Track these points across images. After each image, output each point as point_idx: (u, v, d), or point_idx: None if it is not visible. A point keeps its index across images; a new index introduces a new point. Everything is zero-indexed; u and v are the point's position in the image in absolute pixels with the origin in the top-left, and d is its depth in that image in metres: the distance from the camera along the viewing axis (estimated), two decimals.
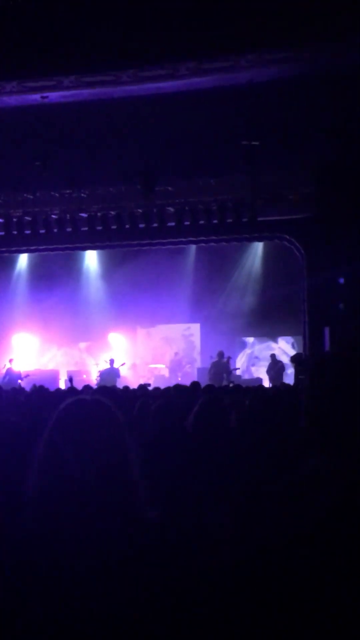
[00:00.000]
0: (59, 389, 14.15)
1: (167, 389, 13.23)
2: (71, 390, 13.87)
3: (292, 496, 2.00)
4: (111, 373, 23.02)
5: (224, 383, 20.52)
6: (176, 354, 26.92)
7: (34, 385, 14.37)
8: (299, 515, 1.93)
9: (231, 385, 17.04)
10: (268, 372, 23.35)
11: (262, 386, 16.75)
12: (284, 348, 25.47)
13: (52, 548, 2.16)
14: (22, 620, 2.06)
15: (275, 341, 26.05)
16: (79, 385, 16.28)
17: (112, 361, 23.52)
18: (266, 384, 21.43)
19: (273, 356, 23.99)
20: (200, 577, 2.00)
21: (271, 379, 22.57)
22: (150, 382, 21.73)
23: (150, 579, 2.06)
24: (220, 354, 23.34)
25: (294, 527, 1.93)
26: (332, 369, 2.18)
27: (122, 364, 23.66)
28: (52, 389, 14.27)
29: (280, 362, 23.46)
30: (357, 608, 1.83)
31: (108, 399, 2.43)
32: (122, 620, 2.01)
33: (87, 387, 14.58)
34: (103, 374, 23.07)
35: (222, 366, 23.04)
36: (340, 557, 1.87)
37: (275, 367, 23.23)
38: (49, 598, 2.07)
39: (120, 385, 18.46)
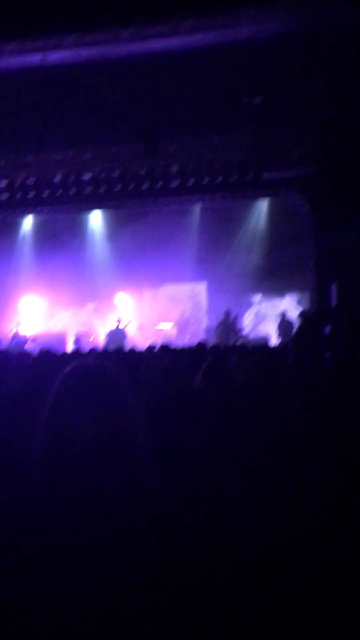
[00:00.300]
0: (64, 353, 14.15)
1: (174, 349, 13.26)
2: (77, 352, 13.89)
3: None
4: (118, 334, 23.05)
5: (231, 342, 20.53)
6: (183, 313, 26.92)
7: (41, 349, 14.39)
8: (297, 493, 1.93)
9: (238, 343, 17.06)
10: (278, 329, 23.34)
11: (266, 345, 16.75)
12: (291, 305, 25.43)
13: (55, 511, 2.16)
14: (23, 582, 2.06)
15: (283, 298, 26.01)
16: (86, 348, 16.31)
17: (119, 321, 23.55)
18: (274, 341, 21.43)
19: (282, 314, 23.95)
20: (204, 543, 2.00)
21: (280, 337, 22.56)
22: (158, 342, 21.77)
23: (153, 547, 2.06)
24: (227, 313, 23.32)
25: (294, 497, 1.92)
26: (317, 330, 2.16)
27: (129, 323, 23.67)
28: (60, 351, 14.29)
29: (288, 320, 23.43)
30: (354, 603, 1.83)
31: (110, 363, 2.42)
32: (123, 589, 2.02)
33: (93, 350, 14.60)
34: (110, 335, 23.09)
35: (228, 325, 23.04)
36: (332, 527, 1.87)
37: (284, 325, 23.22)
38: (51, 561, 2.08)
39: (127, 346, 18.47)
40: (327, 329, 2.11)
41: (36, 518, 2.21)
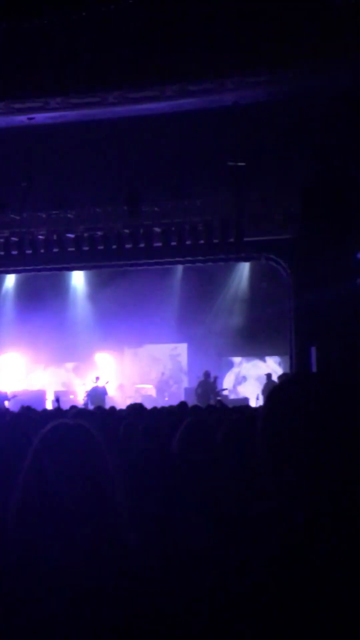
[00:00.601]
0: (45, 410, 14.13)
1: (154, 409, 13.24)
2: (58, 410, 13.85)
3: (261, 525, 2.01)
4: (98, 392, 22.99)
5: (211, 403, 20.53)
6: (163, 373, 26.91)
7: (22, 407, 14.33)
8: (274, 540, 1.94)
9: (217, 405, 17.04)
10: (263, 392, 23.29)
11: (248, 406, 16.74)
12: (273, 367, 25.48)
13: (33, 570, 2.17)
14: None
15: (263, 360, 26.07)
16: (66, 406, 16.26)
17: (97, 379, 23.51)
18: (254, 403, 21.42)
19: (269, 375, 23.93)
20: (182, 601, 2.01)
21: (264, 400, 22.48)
22: (138, 402, 21.69)
23: (131, 604, 2.07)
24: (207, 374, 23.33)
25: (271, 550, 1.94)
26: (290, 394, 2.18)
27: (107, 382, 23.62)
28: (39, 409, 14.25)
29: (273, 382, 23.41)
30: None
31: (89, 423, 2.45)
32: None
33: (73, 407, 14.57)
34: (90, 394, 23.02)
35: (208, 386, 23.04)
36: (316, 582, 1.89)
37: (269, 387, 23.17)
38: (30, 618, 2.08)
39: (108, 404, 18.43)
40: (302, 393, 2.12)
41: (14, 576, 2.21)
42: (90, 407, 19.53)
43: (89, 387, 23.60)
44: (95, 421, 2.49)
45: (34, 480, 2.31)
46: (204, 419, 5.27)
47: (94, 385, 23.40)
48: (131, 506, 2.41)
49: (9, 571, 2.21)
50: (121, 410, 13.02)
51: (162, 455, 4.83)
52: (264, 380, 24.10)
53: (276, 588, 1.92)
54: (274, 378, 23.36)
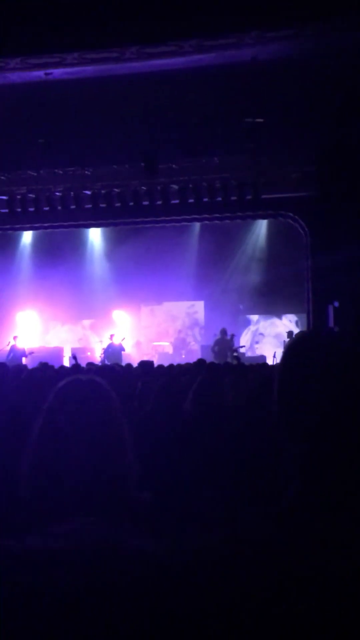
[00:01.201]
0: (62, 367, 14.19)
1: (170, 366, 13.29)
2: (75, 367, 13.92)
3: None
4: (114, 349, 23.06)
5: (228, 360, 20.56)
6: (180, 331, 26.96)
7: (40, 363, 14.39)
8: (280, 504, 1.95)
9: (235, 362, 17.07)
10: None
11: (265, 364, 16.76)
12: (289, 326, 25.47)
13: (45, 524, 2.19)
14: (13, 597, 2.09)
15: (280, 319, 26.06)
16: (83, 363, 16.34)
17: (112, 336, 23.57)
18: (271, 361, 21.45)
19: (290, 333, 23.88)
20: (190, 560, 2.02)
21: None
22: (154, 359, 21.79)
23: (142, 560, 2.09)
24: (224, 332, 23.36)
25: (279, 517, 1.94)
26: (307, 350, 2.17)
27: (123, 339, 23.68)
28: (56, 366, 14.33)
29: None
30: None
31: (103, 379, 2.46)
32: (112, 600, 2.04)
33: (90, 364, 14.64)
34: (106, 351, 23.10)
35: (225, 343, 23.07)
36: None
37: None
38: (41, 574, 2.10)
39: (124, 362, 18.50)
40: (318, 348, 2.11)
41: (28, 530, 2.23)
42: (107, 364, 19.60)
43: (105, 345, 23.68)
44: (111, 378, 2.50)
45: (47, 435, 2.33)
46: (218, 377, 5.29)
47: (110, 342, 23.47)
48: (143, 464, 2.43)
49: (21, 528, 2.24)
50: (136, 368, 13.08)
51: (175, 413, 4.85)
52: (282, 339, 24.12)
53: (287, 544, 1.93)
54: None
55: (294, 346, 2.24)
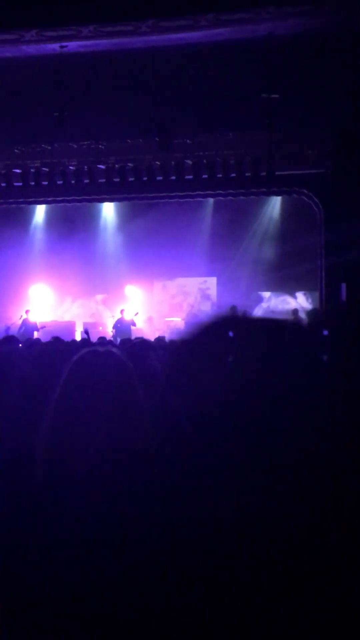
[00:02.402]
0: (73, 341, 14.20)
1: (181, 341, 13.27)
2: (86, 342, 13.93)
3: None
4: (124, 324, 23.08)
5: None
6: (192, 307, 26.96)
7: (53, 337, 14.42)
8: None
9: None
10: None
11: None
12: (302, 303, 25.43)
13: (64, 495, 2.21)
14: (31, 567, 2.11)
15: (293, 296, 26.02)
16: (94, 337, 16.36)
17: (122, 312, 23.60)
18: None
19: (295, 311, 23.85)
20: (204, 524, 2.04)
21: None
22: (166, 335, 21.80)
23: (157, 534, 2.10)
24: (233, 308, 23.32)
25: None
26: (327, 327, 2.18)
27: (136, 314, 23.70)
28: (67, 340, 14.35)
29: (299, 317, 23.28)
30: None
31: (119, 350, 2.47)
32: (130, 564, 2.07)
33: (102, 339, 14.66)
34: (116, 326, 23.12)
35: None
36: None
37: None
38: (59, 542, 2.12)
39: (134, 336, 18.51)
40: (327, 329, 2.11)
41: (44, 503, 2.25)
42: (117, 339, 19.63)
43: (117, 320, 23.70)
44: (122, 350, 2.51)
45: (64, 406, 2.34)
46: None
47: (120, 317, 23.50)
48: (157, 433, 2.44)
49: (40, 497, 2.26)
50: (150, 342, 13.06)
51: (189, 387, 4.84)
52: (291, 316, 24.10)
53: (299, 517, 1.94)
54: (302, 314, 23.32)
55: (315, 322, 2.26)
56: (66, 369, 2.42)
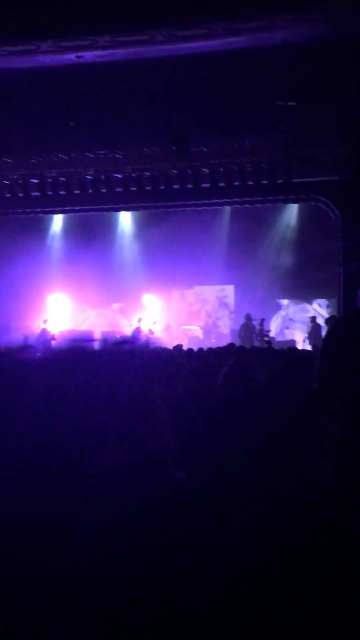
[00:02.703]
0: (91, 347, 14.22)
1: (200, 350, 13.30)
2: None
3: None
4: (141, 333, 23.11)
5: (256, 345, 20.52)
6: (210, 315, 26.97)
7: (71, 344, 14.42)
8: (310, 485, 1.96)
9: (265, 346, 17.03)
10: (309, 335, 23.22)
11: (294, 348, 16.70)
12: (319, 310, 25.39)
13: (75, 500, 2.21)
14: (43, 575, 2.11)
15: (310, 303, 25.99)
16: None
17: (140, 320, 23.63)
18: (300, 347, 21.39)
19: (313, 318, 23.83)
20: (223, 541, 2.04)
21: (310, 342, 22.43)
22: (184, 343, 21.83)
23: (172, 540, 2.10)
24: (248, 317, 23.30)
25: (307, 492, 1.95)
26: (346, 332, 2.18)
27: (154, 323, 23.73)
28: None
29: (318, 324, 23.27)
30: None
31: (139, 358, 2.46)
32: (140, 578, 2.06)
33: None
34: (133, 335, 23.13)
35: (251, 328, 23.01)
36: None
37: (313, 330, 23.08)
38: (74, 552, 2.12)
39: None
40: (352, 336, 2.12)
41: (61, 511, 2.25)
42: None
43: (134, 328, 23.74)
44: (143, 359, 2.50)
45: (86, 413, 2.33)
46: (249, 360, 5.29)
47: (137, 326, 23.53)
48: (177, 445, 2.43)
49: (51, 501, 2.25)
50: (169, 350, 13.08)
51: (207, 396, 4.86)
52: (310, 323, 24.05)
53: (325, 519, 1.94)
54: (319, 321, 23.28)
55: (335, 328, 2.26)
56: (85, 376, 2.42)
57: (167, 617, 1.99)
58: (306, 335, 23.59)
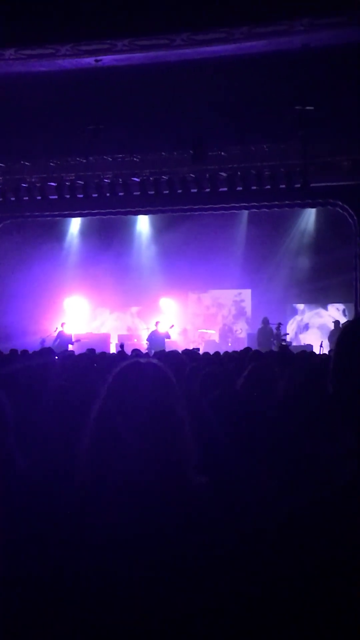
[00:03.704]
0: (104, 353, 14.22)
1: (217, 354, 13.28)
2: (121, 355, 13.95)
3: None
4: (158, 336, 23.06)
5: (273, 349, 20.48)
6: (226, 319, 26.94)
7: (88, 349, 14.44)
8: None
9: (281, 351, 16.96)
10: (330, 338, 23.12)
11: (312, 352, 16.64)
12: (335, 315, 25.32)
13: (102, 509, 2.21)
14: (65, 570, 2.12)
15: (326, 308, 25.92)
16: (128, 350, 16.38)
17: (157, 324, 23.59)
18: (317, 351, 21.32)
19: (336, 322, 23.71)
20: (243, 544, 2.04)
21: (331, 346, 22.28)
22: (201, 347, 21.79)
23: (195, 543, 2.10)
24: (265, 321, 23.25)
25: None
26: (358, 336, 2.18)
27: (171, 326, 23.70)
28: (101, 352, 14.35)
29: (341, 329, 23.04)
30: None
31: (162, 363, 2.46)
32: (164, 580, 2.06)
33: (135, 351, 14.66)
34: (150, 339, 23.11)
35: (268, 333, 22.96)
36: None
37: (337, 333, 22.90)
38: (97, 551, 2.13)
39: (167, 348, 18.48)
40: None
41: (84, 511, 2.25)
42: (151, 352, 19.62)
43: (152, 332, 23.71)
44: (164, 363, 2.50)
45: (106, 417, 2.33)
46: (268, 366, 5.28)
47: (154, 330, 23.50)
48: (197, 449, 2.43)
49: (80, 509, 2.26)
50: (186, 354, 13.06)
51: (225, 400, 4.85)
52: (327, 329, 23.97)
53: (342, 525, 1.93)
54: (340, 326, 23.19)
55: (348, 331, 2.25)
56: (109, 378, 2.42)
57: (195, 616, 2.00)
58: (327, 338, 23.48)
